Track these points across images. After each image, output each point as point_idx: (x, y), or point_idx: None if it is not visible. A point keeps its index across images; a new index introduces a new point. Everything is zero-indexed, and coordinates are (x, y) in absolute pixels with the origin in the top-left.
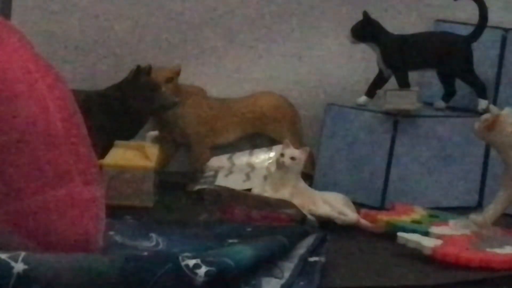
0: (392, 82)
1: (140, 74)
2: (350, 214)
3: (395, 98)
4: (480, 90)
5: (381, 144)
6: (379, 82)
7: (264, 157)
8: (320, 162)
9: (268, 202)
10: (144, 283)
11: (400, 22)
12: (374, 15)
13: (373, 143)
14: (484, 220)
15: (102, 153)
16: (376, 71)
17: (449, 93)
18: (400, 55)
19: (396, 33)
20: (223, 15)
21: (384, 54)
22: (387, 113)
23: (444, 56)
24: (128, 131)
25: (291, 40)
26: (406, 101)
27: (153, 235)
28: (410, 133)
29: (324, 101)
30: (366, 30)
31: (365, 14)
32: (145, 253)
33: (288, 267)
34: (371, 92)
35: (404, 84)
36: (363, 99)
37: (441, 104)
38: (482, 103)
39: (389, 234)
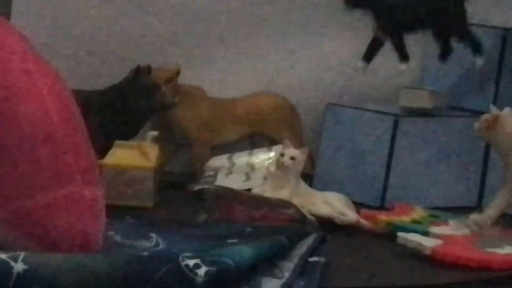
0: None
1: (140, 74)
2: (350, 214)
3: (408, 97)
4: (475, 46)
5: (381, 144)
6: (376, 46)
7: (264, 157)
8: (320, 162)
9: (268, 202)
10: (144, 283)
11: None
12: None
13: (373, 143)
14: (484, 220)
15: (102, 153)
16: (376, 72)
17: (445, 52)
18: (395, 18)
19: None
20: (223, 15)
21: (380, 19)
22: (387, 113)
23: (439, 14)
24: (128, 131)
25: (291, 40)
26: (419, 99)
27: (153, 235)
28: (410, 133)
29: (324, 101)
30: None
31: None
32: (145, 253)
33: (288, 267)
34: (369, 57)
35: (401, 47)
36: (360, 64)
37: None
38: (479, 61)
39: (389, 234)
